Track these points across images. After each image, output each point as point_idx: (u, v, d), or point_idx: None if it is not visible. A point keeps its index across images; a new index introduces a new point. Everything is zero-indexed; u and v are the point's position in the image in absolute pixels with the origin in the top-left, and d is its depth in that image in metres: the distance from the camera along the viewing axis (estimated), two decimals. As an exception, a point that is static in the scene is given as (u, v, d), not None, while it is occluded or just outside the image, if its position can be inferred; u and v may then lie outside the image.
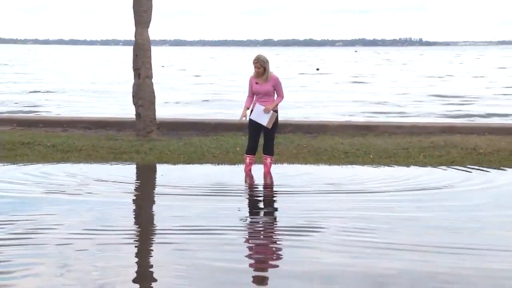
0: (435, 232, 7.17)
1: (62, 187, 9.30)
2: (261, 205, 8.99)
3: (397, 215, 7.91)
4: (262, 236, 7.30)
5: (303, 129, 15.10)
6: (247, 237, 7.18)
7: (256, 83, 10.35)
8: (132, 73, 14.50)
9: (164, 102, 24.59)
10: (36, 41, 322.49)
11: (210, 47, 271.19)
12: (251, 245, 6.91)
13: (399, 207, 8.34)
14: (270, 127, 10.42)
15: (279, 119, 10.67)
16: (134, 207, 8.59)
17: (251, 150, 10.60)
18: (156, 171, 11.01)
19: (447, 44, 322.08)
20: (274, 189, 9.75)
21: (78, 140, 13.37)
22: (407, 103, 27.05)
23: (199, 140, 13.55)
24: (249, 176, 10.36)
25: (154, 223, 7.76)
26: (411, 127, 15.16)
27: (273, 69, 10.67)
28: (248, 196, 9.36)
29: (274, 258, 6.54)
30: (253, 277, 5.86)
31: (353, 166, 11.14)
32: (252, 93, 10.45)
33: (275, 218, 8.02)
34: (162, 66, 61.20)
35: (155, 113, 14.36)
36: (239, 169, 10.79)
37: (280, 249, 6.72)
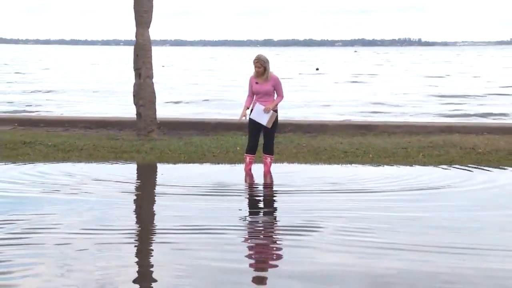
0: (435, 232, 7.15)
1: (63, 187, 9.32)
2: (261, 204, 9.01)
3: (397, 215, 7.90)
4: (262, 236, 7.29)
5: (303, 128, 15.16)
6: (247, 236, 7.17)
7: (256, 83, 10.40)
8: (132, 73, 14.57)
9: (164, 102, 24.65)
10: (37, 41, 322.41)
11: (211, 47, 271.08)
12: (251, 245, 6.91)
13: (399, 206, 8.35)
14: (270, 126, 10.47)
15: (279, 118, 10.72)
16: (134, 207, 8.59)
17: (251, 149, 10.65)
18: (156, 171, 11.05)
19: (445, 44, 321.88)
20: (274, 188, 9.78)
21: (79, 139, 13.41)
22: (406, 102, 27.11)
23: (199, 139, 13.59)
24: (249, 175, 10.40)
25: (155, 222, 7.76)
26: (410, 127, 15.21)
27: (273, 69, 10.72)
28: (248, 196, 9.39)
29: (274, 258, 6.53)
30: (253, 277, 5.85)
31: (353, 165, 11.17)
32: (252, 93, 10.50)
33: (275, 218, 8.04)
34: (163, 66, 61.24)
35: (155, 112, 14.41)
36: (239, 168, 10.83)
37: (280, 249, 6.72)
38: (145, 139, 13.66)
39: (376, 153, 12.02)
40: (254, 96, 10.49)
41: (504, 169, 10.86)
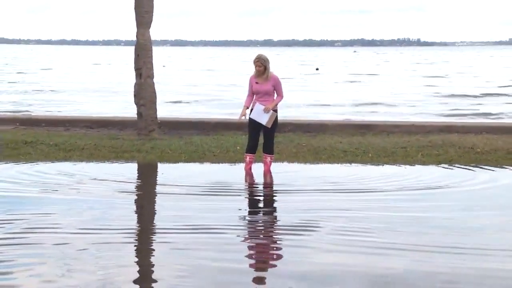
0: (435, 232, 7.12)
1: (63, 186, 9.34)
2: (261, 203, 9.04)
3: (397, 215, 7.89)
4: (262, 236, 7.29)
5: (302, 128, 15.22)
6: (247, 236, 7.17)
7: (256, 82, 10.47)
8: (133, 73, 14.64)
9: (165, 101, 24.69)
10: (39, 41, 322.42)
11: (211, 47, 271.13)
12: (251, 244, 6.91)
13: (399, 206, 8.35)
14: (270, 126, 10.54)
15: (279, 118, 10.79)
16: (134, 206, 8.59)
17: (251, 149, 10.71)
18: (157, 170, 11.11)
19: (444, 44, 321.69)
20: (274, 188, 9.82)
21: (80, 139, 13.45)
22: (405, 102, 27.16)
23: (199, 139, 13.64)
24: (249, 174, 10.45)
25: (155, 222, 7.77)
26: (409, 126, 15.26)
27: (273, 69, 10.79)
28: (248, 195, 9.43)
29: (274, 258, 6.51)
30: (253, 277, 5.83)
31: (352, 165, 11.22)
32: (252, 93, 10.57)
33: (275, 217, 8.04)
34: (163, 66, 61.29)
35: (156, 112, 14.47)
36: (239, 167, 10.88)
37: (279, 249, 6.71)
38: (146, 138, 13.72)
39: (375, 153, 12.07)
40: (254, 95, 10.55)
41: (504, 168, 10.89)
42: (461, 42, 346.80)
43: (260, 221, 7.88)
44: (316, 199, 8.77)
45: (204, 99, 28.43)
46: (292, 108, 22.65)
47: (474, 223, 7.63)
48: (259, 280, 5.76)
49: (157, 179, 10.57)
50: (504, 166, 11.04)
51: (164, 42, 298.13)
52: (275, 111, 10.54)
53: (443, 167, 10.96)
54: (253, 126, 10.59)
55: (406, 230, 7.22)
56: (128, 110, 19.20)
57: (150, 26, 14.44)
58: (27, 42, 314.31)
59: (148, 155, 11.88)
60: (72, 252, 6.31)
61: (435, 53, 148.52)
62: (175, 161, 11.51)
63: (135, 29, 14.41)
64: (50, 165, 10.90)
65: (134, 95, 14.49)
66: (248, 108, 10.58)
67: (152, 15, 14.47)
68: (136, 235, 7.21)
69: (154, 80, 14.54)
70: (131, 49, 15.07)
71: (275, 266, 6.22)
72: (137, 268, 6.08)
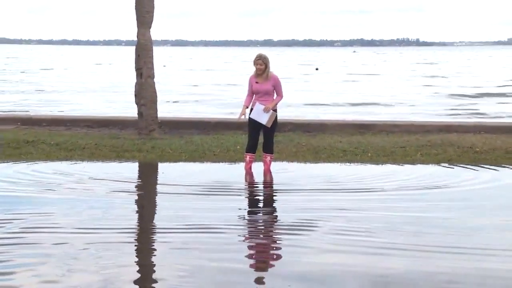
0: (435, 231, 7.13)
1: (63, 186, 9.36)
2: (261, 203, 9.06)
3: (397, 215, 7.88)
4: (261, 235, 7.29)
5: (302, 127, 15.27)
6: (246, 236, 7.17)
7: (256, 82, 10.54)
8: (134, 73, 14.70)
9: (165, 101, 24.74)
10: (40, 41, 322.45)
11: (212, 47, 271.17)
12: (251, 244, 6.92)
13: (399, 206, 8.35)
14: (270, 126, 10.60)
15: (278, 118, 10.85)
16: (135, 206, 8.61)
17: (251, 148, 10.78)
18: (157, 169, 11.15)
19: (443, 44, 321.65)
20: (274, 187, 9.85)
21: (81, 138, 13.49)
22: (404, 102, 27.20)
23: (200, 138, 13.69)
24: (249, 174, 10.49)
25: (155, 221, 7.79)
26: (408, 126, 15.31)
27: (273, 68, 10.85)
28: (248, 194, 9.46)
29: (274, 257, 6.49)
30: (252, 277, 5.83)
31: (352, 164, 11.27)
32: (252, 92, 10.63)
33: (275, 217, 8.04)
34: (164, 66, 61.33)
35: (157, 112, 14.53)
36: (240, 167, 10.94)
37: (279, 249, 6.71)
38: (147, 138, 13.78)
39: (374, 152, 12.13)
40: (254, 95, 10.62)
41: (503, 167, 10.94)
42: (460, 42, 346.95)
43: (260, 221, 7.90)
44: (316, 198, 8.80)
45: (204, 99, 28.47)
46: (292, 107, 22.71)
47: (474, 222, 7.63)
48: (259, 280, 5.75)
49: (157, 178, 10.61)
50: (502, 165, 11.06)
51: (164, 42, 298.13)
52: (275, 110, 10.61)
53: (442, 167, 11.00)
54: (253, 125, 10.65)
55: (406, 230, 7.21)
56: (128, 109, 19.24)
57: (150, 26, 14.50)
58: (29, 42, 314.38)
59: (149, 155, 11.93)
60: (73, 252, 6.31)
61: (434, 53, 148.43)
62: (176, 160, 11.56)
63: (135, 29, 14.47)
64: (51, 165, 10.94)
65: (135, 95, 14.55)
66: (247, 107, 10.63)
67: (153, 15, 14.53)
68: (136, 234, 7.22)
69: (155, 79, 14.61)
70: (132, 49, 15.12)
71: (275, 266, 6.21)
72: (137, 268, 6.07)
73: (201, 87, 36.58)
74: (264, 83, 10.48)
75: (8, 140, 12.95)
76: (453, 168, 10.93)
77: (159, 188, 9.82)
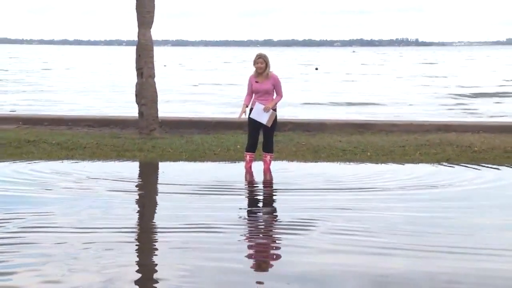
0: (436, 231, 7.12)
1: (63, 185, 9.39)
2: (261, 202, 9.08)
3: (397, 214, 7.88)
4: (261, 235, 7.30)
5: (302, 127, 15.33)
6: (247, 235, 7.17)
7: (256, 81, 10.61)
8: (135, 73, 14.77)
9: (166, 100, 24.80)
10: (41, 41, 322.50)
11: (212, 47, 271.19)
12: (251, 244, 6.91)
13: (399, 205, 8.35)
14: (270, 125, 10.68)
15: (278, 117, 10.90)
16: (136, 205, 8.62)
17: (251, 147, 10.84)
18: (158, 169, 11.19)
19: (442, 44, 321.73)
20: (274, 186, 9.90)
21: (82, 138, 13.54)
22: (404, 101, 27.24)
23: (200, 138, 13.75)
24: (249, 173, 10.54)
25: (155, 221, 7.82)
26: (407, 125, 15.37)
27: (273, 68, 10.92)
28: (248, 194, 9.49)
29: (274, 257, 6.50)
30: (252, 276, 5.84)
31: (351, 163, 11.32)
32: (251, 92, 10.69)
33: (275, 216, 8.05)
34: (164, 66, 61.39)
35: (157, 111, 14.59)
36: (240, 166, 10.99)
37: (279, 248, 6.71)
38: (147, 137, 13.84)
39: (374, 151, 12.18)
40: (253, 95, 10.69)
41: (504, 166, 10.98)
42: (459, 42, 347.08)
43: (260, 220, 7.92)
44: (315, 197, 8.82)
45: (204, 99, 28.52)
46: (292, 107, 22.77)
47: (474, 222, 7.64)
48: (259, 280, 5.75)
49: (158, 178, 10.66)
50: (501, 164, 11.09)
51: (165, 42, 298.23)
52: (274, 110, 10.68)
53: (441, 166, 11.03)
54: (253, 125, 10.72)
55: (406, 229, 7.20)
56: (129, 109, 19.30)
57: (151, 26, 14.57)
58: (30, 42, 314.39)
59: (149, 154, 11.98)
60: (75, 252, 6.30)
61: (433, 53, 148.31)
62: (176, 160, 11.61)
63: (136, 29, 14.54)
64: (51, 164, 10.97)
65: (136, 95, 14.62)
66: (247, 106, 10.70)
67: (154, 15, 14.59)
68: (137, 234, 7.23)
69: (155, 79, 14.67)
70: (133, 49, 15.19)
71: (275, 266, 6.20)
72: (137, 268, 6.06)
73: (201, 87, 36.61)
74: (264, 82, 10.55)
75: (9, 140, 13.01)
76: (452, 167, 10.94)
77: (159, 187, 9.87)
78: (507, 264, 6.18)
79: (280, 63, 71.42)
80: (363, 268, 5.95)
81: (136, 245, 6.79)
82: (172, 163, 11.42)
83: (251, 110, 10.65)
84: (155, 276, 5.83)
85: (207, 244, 6.63)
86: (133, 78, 15.09)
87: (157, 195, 9.51)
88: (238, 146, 12.41)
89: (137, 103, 14.57)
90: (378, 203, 8.47)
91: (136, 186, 9.76)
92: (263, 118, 10.57)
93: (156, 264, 6.17)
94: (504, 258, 6.35)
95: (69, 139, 13.32)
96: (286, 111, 18.91)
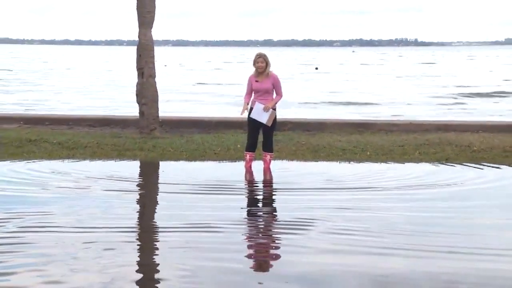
0: (436, 231, 7.09)
1: (63, 184, 9.40)
2: (261, 202, 9.08)
3: (397, 214, 7.88)
4: (261, 235, 7.31)
5: (302, 126, 15.35)
6: (247, 235, 7.17)
7: (256, 81, 10.66)
8: (136, 72, 14.81)
9: (166, 100, 24.83)
10: (42, 41, 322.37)
11: (212, 47, 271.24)
12: (251, 243, 6.92)
13: (398, 205, 8.34)
14: (270, 124, 10.72)
15: (278, 117, 10.93)
16: (136, 204, 8.63)
17: (251, 147, 10.88)
18: (158, 168, 11.21)
19: (442, 44, 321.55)
20: (274, 185, 9.93)
21: (83, 137, 13.56)
22: (403, 101, 27.31)
23: (200, 137, 13.77)
24: (249, 172, 10.57)
25: (156, 220, 7.83)
26: (407, 125, 15.38)
27: (273, 68, 10.95)
28: (248, 193, 9.50)
29: (274, 257, 6.48)
30: (252, 277, 5.82)
31: (351, 162, 11.34)
32: (251, 91, 10.73)
33: (275, 216, 8.07)
34: (165, 65, 61.43)
35: (158, 111, 14.62)
36: (240, 165, 11.02)
37: (279, 248, 6.71)
38: (148, 137, 13.86)
39: (373, 151, 12.19)
40: (253, 94, 10.74)
41: (503, 166, 11.00)
42: (458, 42, 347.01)
43: (260, 220, 7.93)
44: (315, 197, 8.83)
45: (204, 98, 28.56)
46: (292, 106, 22.81)
47: (474, 222, 7.64)
48: (259, 280, 5.73)
49: (158, 177, 10.68)
50: (500, 164, 11.10)
51: (165, 42, 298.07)
52: (274, 109, 10.73)
53: (440, 165, 11.05)
54: (253, 124, 10.76)
55: (406, 229, 7.18)
56: (130, 109, 19.34)
57: (152, 26, 14.60)
58: (31, 42, 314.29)
59: (150, 153, 12.00)
60: (76, 251, 6.30)
61: (432, 53, 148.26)
62: (177, 159, 11.63)
63: (137, 29, 14.58)
64: (52, 163, 10.99)
65: (136, 94, 14.65)
66: (248, 104, 10.73)
67: (154, 15, 14.62)
68: (137, 233, 7.23)
69: (156, 79, 14.71)
70: (133, 49, 15.22)
71: (274, 266, 6.18)
72: (137, 268, 6.06)
73: (201, 86, 36.65)
74: (264, 82, 10.59)
75: (11, 139, 13.04)
76: (454, 167, 10.94)
77: (160, 187, 9.89)
78: (508, 264, 6.17)
79: (280, 63, 71.40)
80: (363, 268, 5.93)
81: (137, 244, 6.80)
82: (172, 162, 11.44)
83: (251, 109, 10.69)
84: (155, 276, 5.83)
85: (207, 244, 6.62)
86: (134, 78, 15.12)
87: (157, 194, 9.53)
88: (238, 146, 12.43)
89: (138, 103, 14.60)
90: (378, 202, 8.47)
91: (137, 185, 9.78)
92: (263, 117, 10.61)
93: (157, 264, 6.17)
94: (504, 258, 6.33)
95: (70, 138, 13.35)
96: (286, 111, 18.93)
